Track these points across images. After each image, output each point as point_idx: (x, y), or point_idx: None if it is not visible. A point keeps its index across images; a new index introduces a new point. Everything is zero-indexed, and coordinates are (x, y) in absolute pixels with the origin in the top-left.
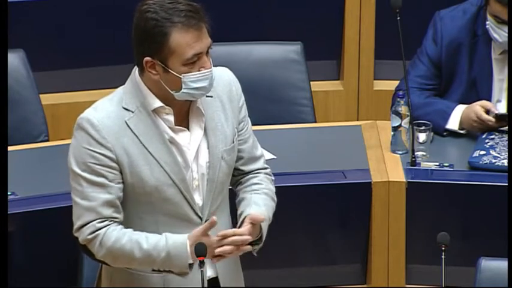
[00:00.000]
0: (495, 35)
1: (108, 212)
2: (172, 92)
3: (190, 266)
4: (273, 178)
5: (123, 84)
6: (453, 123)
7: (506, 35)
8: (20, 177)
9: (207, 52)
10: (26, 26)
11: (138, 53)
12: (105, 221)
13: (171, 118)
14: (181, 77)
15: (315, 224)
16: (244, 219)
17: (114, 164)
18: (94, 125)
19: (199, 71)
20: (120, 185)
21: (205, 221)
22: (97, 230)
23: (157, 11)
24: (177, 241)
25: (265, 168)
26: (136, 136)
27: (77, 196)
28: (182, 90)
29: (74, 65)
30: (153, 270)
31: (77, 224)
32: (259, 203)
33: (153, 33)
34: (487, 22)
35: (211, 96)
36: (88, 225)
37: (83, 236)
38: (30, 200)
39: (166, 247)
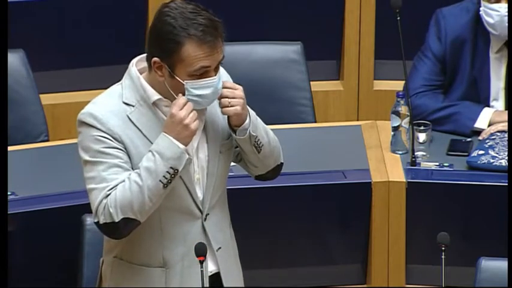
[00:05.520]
0: (488, 19)
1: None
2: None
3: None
4: None
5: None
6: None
7: (498, 13)
8: (20, 177)
9: (217, 67)
10: (26, 26)
11: (149, 51)
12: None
13: None
14: (184, 83)
15: (315, 224)
16: None
17: (124, 149)
18: (98, 119)
19: None
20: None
21: (206, 215)
22: (105, 199)
23: (177, 17)
24: (157, 140)
25: None
26: (139, 129)
27: (92, 183)
28: (185, 97)
29: (74, 65)
30: (164, 187)
31: (94, 207)
32: None
33: (167, 39)
34: (481, 8)
35: None
36: (102, 201)
37: (99, 213)
38: (30, 200)
39: (152, 151)
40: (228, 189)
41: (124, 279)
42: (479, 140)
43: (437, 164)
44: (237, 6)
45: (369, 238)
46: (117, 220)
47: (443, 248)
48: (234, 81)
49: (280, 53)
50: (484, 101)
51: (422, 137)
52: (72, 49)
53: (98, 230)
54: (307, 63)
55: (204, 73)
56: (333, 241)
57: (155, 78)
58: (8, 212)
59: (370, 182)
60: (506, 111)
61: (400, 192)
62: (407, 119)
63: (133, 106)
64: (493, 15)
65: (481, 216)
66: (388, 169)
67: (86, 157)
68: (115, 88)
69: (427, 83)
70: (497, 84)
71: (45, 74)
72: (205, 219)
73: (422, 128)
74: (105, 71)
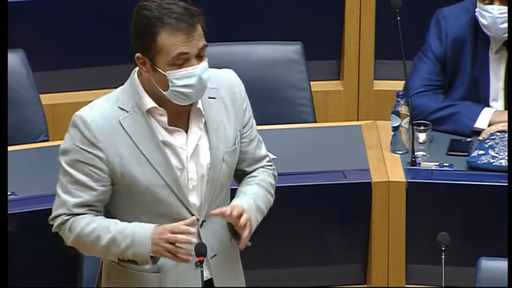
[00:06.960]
0: (482, 20)
1: (81, 210)
2: (164, 93)
3: (154, 259)
4: (275, 174)
5: (123, 84)
6: (482, 123)
7: (490, 15)
8: (20, 177)
9: (201, 56)
10: (26, 26)
11: (133, 48)
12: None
13: (164, 119)
14: (166, 74)
15: (315, 224)
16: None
17: (103, 166)
18: (87, 124)
19: None
20: (104, 188)
21: (202, 222)
22: (68, 218)
23: (153, 9)
24: (143, 229)
25: (268, 166)
26: (130, 136)
27: (60, 189)
28: (170, 89)
29: (74, 65)
30: (119, 259)
31: (53, 213)
32: (246, 192)
33: (144, 31)
34: (476, 10)
35: (214, 98)
36: (62, 216)
37: (55, 223)
38: (30, 200)
39: (132, 233)
40: (229, 190)
41: (120, 284)
42: (479, 140)
43: (437, 164)
44: (237, 6)
45: (369, 238)
46: (66, 242)
47: (443, 248)
48: None
49: (280, 53)
50: (484, 101)
51: (422, 137)
52: (72, 49)
53: None
54: (307, 63)
55: (184, 62)
56: (333, 241)
57: (144, 77)
58: (8, 212)
59: (370, 182)
60: (506, 111)
61: (400, 192)
62: (407, 119)
63: (127, 112)
64: (486, 16)
65: (481, 216)
66: (388, 169)
67: (62, 161)
68: (116, 91)
69: (427, 83)
70: (496, 85)
71: (45, 74)
72: (201, 225)
73: (422, 128)
74: (105, 71)
